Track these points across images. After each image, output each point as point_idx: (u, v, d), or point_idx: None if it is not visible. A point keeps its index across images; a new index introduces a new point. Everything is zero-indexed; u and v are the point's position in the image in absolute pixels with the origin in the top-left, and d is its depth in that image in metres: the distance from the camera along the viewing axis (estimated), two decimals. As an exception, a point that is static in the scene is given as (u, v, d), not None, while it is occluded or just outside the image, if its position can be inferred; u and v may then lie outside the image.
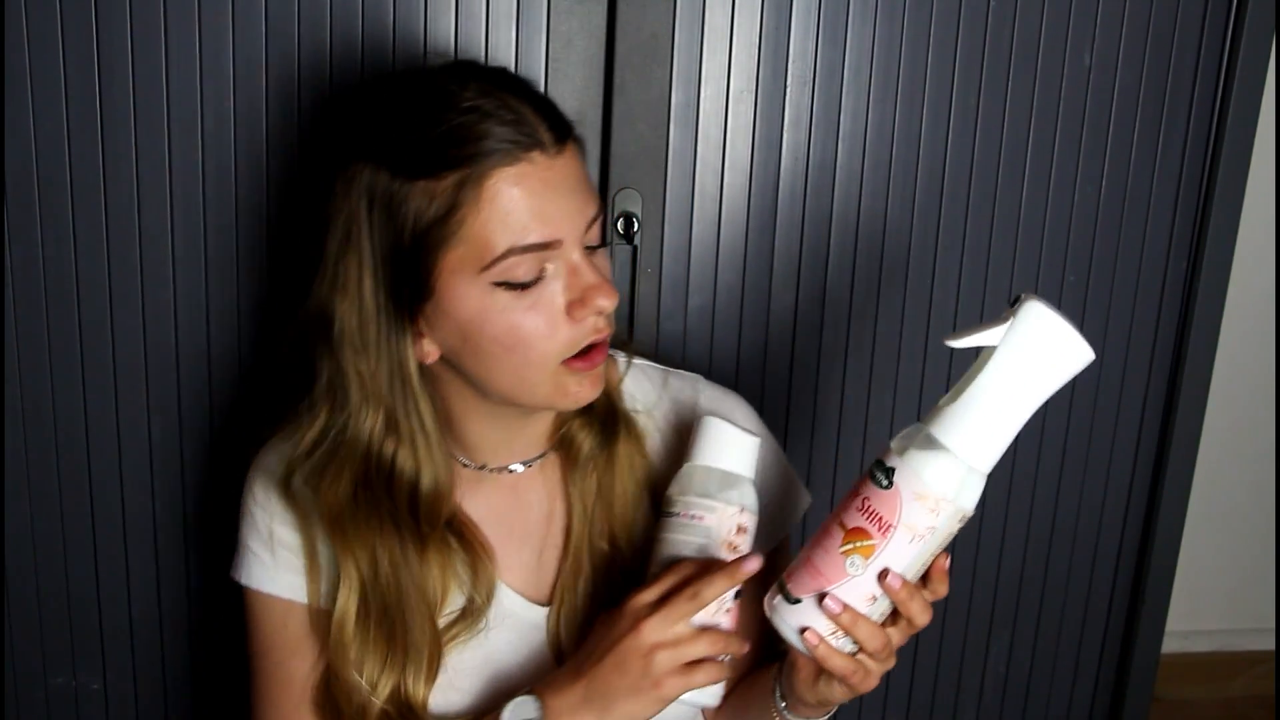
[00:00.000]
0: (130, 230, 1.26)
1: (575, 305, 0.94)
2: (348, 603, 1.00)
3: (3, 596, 1.36)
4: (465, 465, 1.07)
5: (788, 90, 1.34)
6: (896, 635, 0.94)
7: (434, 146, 0.91)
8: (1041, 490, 1.53)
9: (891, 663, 0.95)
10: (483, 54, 1.27)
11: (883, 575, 0.89)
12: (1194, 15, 1.39)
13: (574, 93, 1.30)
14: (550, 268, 0.94)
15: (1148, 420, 1.53)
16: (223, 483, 1.28)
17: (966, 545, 1.53)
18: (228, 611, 1.23)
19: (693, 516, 0.97)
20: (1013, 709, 1.62)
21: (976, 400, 0.86)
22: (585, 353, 0.96)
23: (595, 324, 0.95)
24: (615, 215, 1.34)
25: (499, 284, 0.93)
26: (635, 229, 1.34)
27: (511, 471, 1.07)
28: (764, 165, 1.35)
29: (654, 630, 0.93)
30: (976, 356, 0.88)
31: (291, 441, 1.04)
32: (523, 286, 0.93)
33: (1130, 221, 1.45)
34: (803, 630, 0.91)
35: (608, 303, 0.94)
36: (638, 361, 1.12)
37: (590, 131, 1.31)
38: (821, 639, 0.91)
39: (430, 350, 0.98)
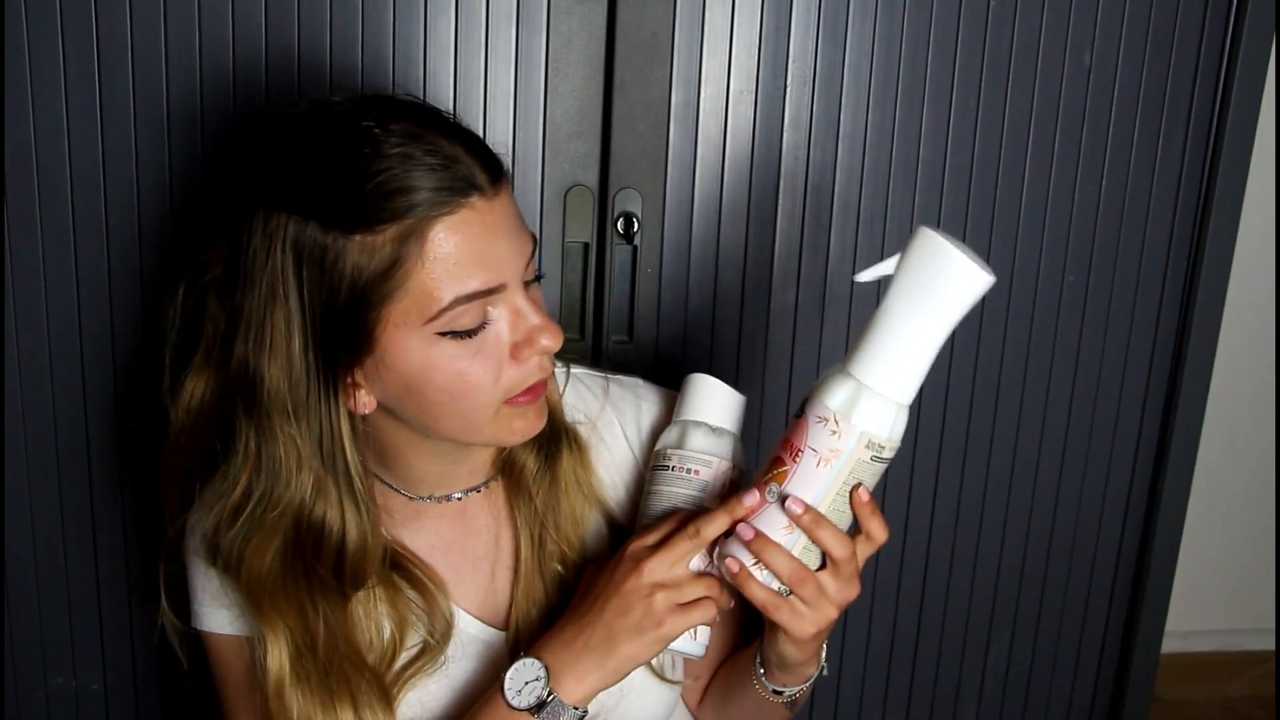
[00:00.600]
0: (130, 229, 1.26)
1: (520, 346, 0.92)
2: (281, 669, 0.98)
3: (3, 596, 1.36)
4: (408, 498, 1.05)
5: (788, 90, 1.34)
6: (826, 579, 0.92)
7: (368, 199, 0.87)
8: (1041, 490, 1.53)
9: (830, 611, 0.93)
10: (483, 54, 1.27)
11: (784, 501, 0.90)
12: (1194, 15, 1.39)
13: (574, 93, 1.30)
14: (494, 312, 0.91)
15: (1148, 420, 1.53)
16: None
17: (967, 545, 1.53)
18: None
19: (688, 470, 0.98)
20: (1013, 709, 1.62)
21: (876, 327, 0.89)
22: (528, 389, 0.95)
23: (540, 364, 0.94)
24: (615, 215, 1.34)
25: (444, 334, 0.90)
26: (635, 229, 1.34)
27: (456, 499, 1.06)
28: (764, 165, 1.35)
29: (656, 569, 0.93)
30: None
31: (213, 510, 0.99)
32: (468, 334, 0.90)
33: (1130, 221, 1.45)
34: (725, 557, 0.93)
35: (552, 342, 0.92)
36: (576, 371, 1.11)
37: (590, 131, 1.31)
38: (741, 567, 0.92)
39: (367, 401, 0.94)
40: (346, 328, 0.90)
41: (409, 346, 0.90)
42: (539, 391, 0.96)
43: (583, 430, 1.07)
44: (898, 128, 1.36)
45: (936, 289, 0.87)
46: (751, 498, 0.92)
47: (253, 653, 1.03)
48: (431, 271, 0.88)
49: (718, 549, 0.94)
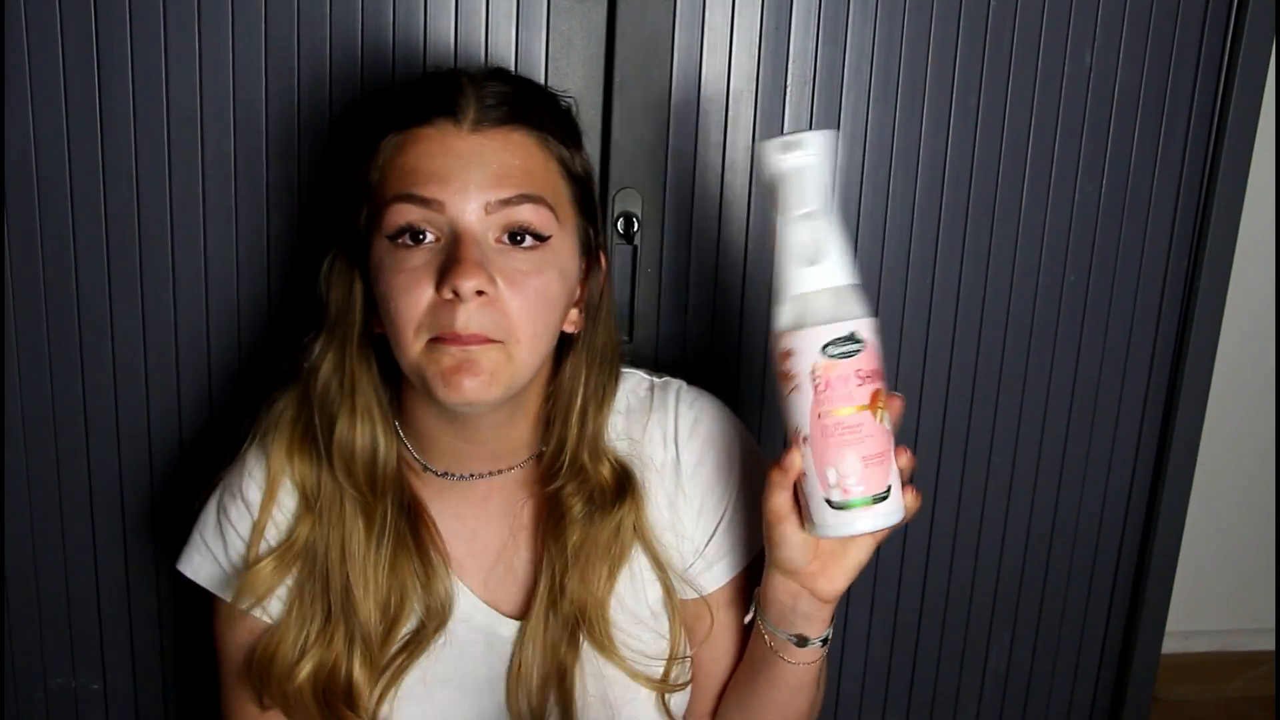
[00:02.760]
0: (130, 230, 1.26)
1: (439, 281, 0.93)
2: (298, 531, 1.03)
3: (3, 596, 1.36)
4: (434, 473, 1.07)
5: (788, 90, 1.34)
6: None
7: (382, 112, 1.00)
8: (1042, 490, 1.53)
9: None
10: (483, 54, 1.27)
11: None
12: (1194, 15, 1.39)
13: (574, 93, 1.30)
14: (440, 237, 0.94)
15: (1148, 420, 1.53)
16: (223, 483, 1.28)
17: (967, 545, 1.53)
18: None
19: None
20: (1013, 709, 1.62)
21: (780, 248, 0.93)
22: (450, 337, 0.93)
23: (457, 317, 0.91)
24: (615, 215, 1.34)
25: (389, 238, 0.95)
26: (635, 229, 1.34)
27: (475, 480, 1.07)
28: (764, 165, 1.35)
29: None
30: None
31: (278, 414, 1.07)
32: (402, 245, 0.94)
33: (1130, 221, 1.45)
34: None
35: (465, 283, 0.90)
36: (624, 370, 1.11)
37: (590, 131, 1.31)
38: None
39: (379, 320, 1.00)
40: (351, 224, 1.01)
41: (374, 248, 0.98)
42: (466, 345, 0.93)
43: (632, 460, 1.07)
44: (898, 128, 1.36)
45: (792, 180, 0.92)
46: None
47: (256, 632, 1.05)
48: (387, 174, 0.96)
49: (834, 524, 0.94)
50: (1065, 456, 1.52)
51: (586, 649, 1.05)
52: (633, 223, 1.34)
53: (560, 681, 1.05)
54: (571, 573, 1.03)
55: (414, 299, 0.93)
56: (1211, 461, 1.71)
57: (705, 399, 1.11)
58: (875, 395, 0.91)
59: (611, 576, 1.05)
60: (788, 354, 0.91)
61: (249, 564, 1.04)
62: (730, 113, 1.33)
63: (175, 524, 1.36)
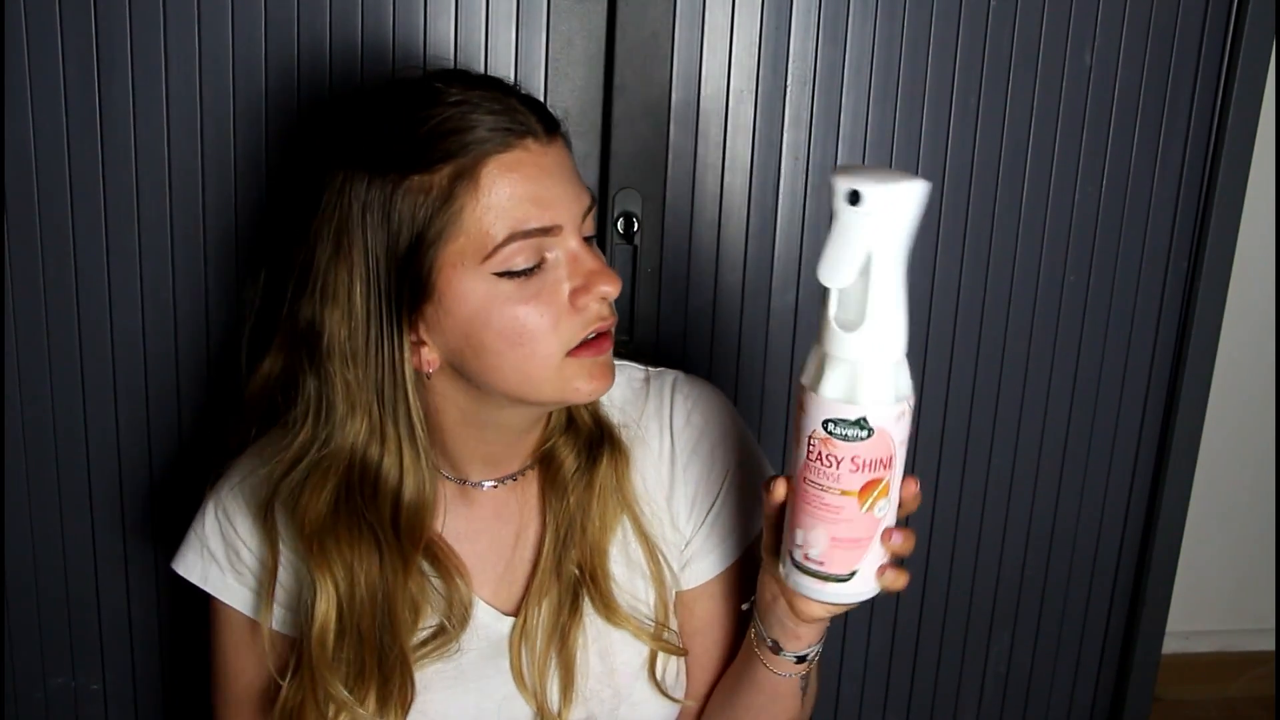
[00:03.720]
0: (130, 230, 1.26)
1: (579, 292, 0.93)
2: (327, 618, 0.99)
3: (3, 596, 1.36)
4: (447, 478, 1.06)
5: (788, 90, 1.33)
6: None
7: (425, 140, 0.90)
8: (1042, 490, 1.53)
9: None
10: (483, 54, 1.27)
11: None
12: (1194, 15, 1.39)
13: (574, 93, 1.30)
14: (550, 256, 0.93)
15: (1148, 420, 1.53)
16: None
17: (967, 545, 1.53)
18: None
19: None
20: (1013, 709, 1.62)
21: (870, 310, 0.82)
22: (591, 341, 0.95)
23: (599, 311, 0.94)
24: (615, 215, 1.34)
25: (501, 274, 0.91)
26: (635, 229, 1.34)
27: (491, 486, 1.07)
28: (764, 165, 1.35)
29: None
30: None
31: (267, 459, 1.02)
32: (525, 274, 0.92)
33: (1130, 221, 1.45)
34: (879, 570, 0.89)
35: (611, 288, 0.93)
36: (619, 363, 1.10)
37: (590, 131, 1.31)
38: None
39: (431, 359, 0.96)
40: (407, 271, 0.92)
41: (466, 288, 0.91)
42: (604, 346, 0.95)
43: (625, 432, 1.07)
44: (898, 128, 1.36)
45: (884, 230, 0.82)
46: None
47: (254, 632, 1.05)
48: (487, 208, 0.90)
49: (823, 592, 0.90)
50: (1065, 456, 1.52)
51: (589, 614, 1.05)
52: (633, 223, 1.34)
53: (562, 645, 1.05)
54: (574, 529, 1.04)
55: (554, 319, 0.93)
56: (1211, 461, 1.71)
57: (701, 387, 1.11)
58: (869, 485, 0.84)
59: (606, 527, 1.05)
60: (799, 404, 0.85)
61: (265, 590, 1.03)
62: (730, 113, 1.33)
63: (175, 524, 1.36)
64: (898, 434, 0.84)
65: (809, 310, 1.40)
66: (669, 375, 1.11)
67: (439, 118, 0.91)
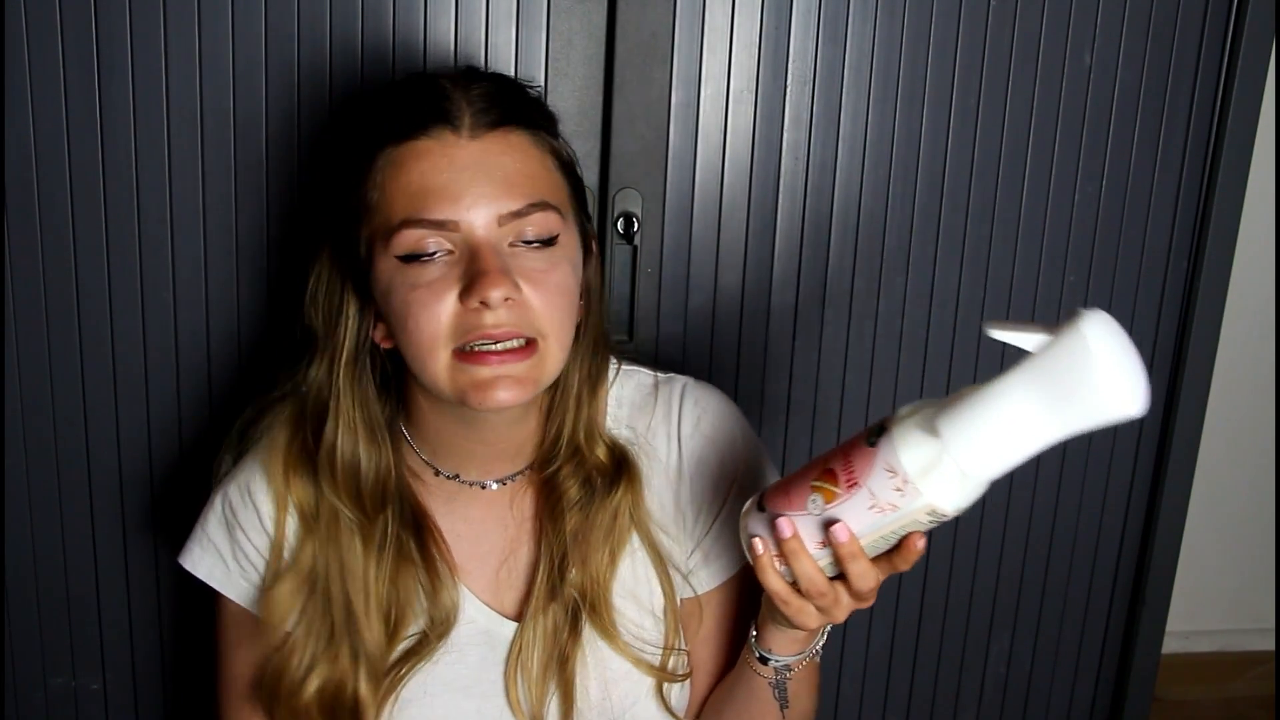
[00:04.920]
0: (130, 230, 1.26)
1: (463, 293, 0.92)
2: (300, 556, 1.03)
3: (3, 596, 1.36)
4: (445, 477, 1.06)
5: (788, 90, 1.33)
6: (842, 593, 0.91)
7: (370, 122, 0.97)
8: (1042, 490, 1.53)
9: (839, 617, 0.92)
10: (483, 54, 1.27)
11: (830, 524, 0.85)
12: (1194, 15, 1.39)
13: (574, 93, 1.30)
14: (451, 250, 0.93)
15: (1148, 420, 1.53)
16: (223, 483, 1.28)
17: (967, 545, 1.53)
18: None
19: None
20: (1013, 709, 1.62)
21: (991, 403, 0.77)
22: (477, 352, 0.93)
23: (485, 320, 0.91)
24: (615, 215, 1.34)
25: (399, 258, 0.94)
26: (635, 229, 1.34)
27: (486, 488, 1.07)
28: (764, 165, 1.35)
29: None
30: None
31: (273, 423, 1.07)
32: (419, 263, 0.93)
33: (1130, 221, 1.45)
34: (753, 536, 0.91)
35: (494, 292, 0.90)
36: (627, 368, 1.11)
37: (590, 131, 1.31)
38: (766, 550, 0.90)
39: (385, 335, 1.00)
40: (348, 243, 0.99)
41: (380, 267, 0.96)
42: (504, 360, 0.93)
43: (631, 447, 1.07)
44: (898, 128, 1.36)
45: (1077, 394, 0.74)
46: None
47: (256, 626, 1.06)
48: (392, 192, 0.94)
49: (745, 521, 0.92)
50: (1066, 456, 1.52)
51: (589, 637, 1.05)
52: (633, 223, 1.34)
53: (561, 669, 1.04)
54: (572, 557, 1.03)
55: (436, 313, 0.93)
56: (1211, 461, 1.71)
57: (710, 394, 1.10)
58: (827, 476, 0.85)
59: (613, 561, 1.05)
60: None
61: (266, 584, 1.04)
62: (730, 113, 1.33)
63: (175, 524, 1.36)
64: (879, 482, 0.82)
65: (808, 310, 1.40)
66: (678, 381, 1.11)
67: (383, 102, 0.98)
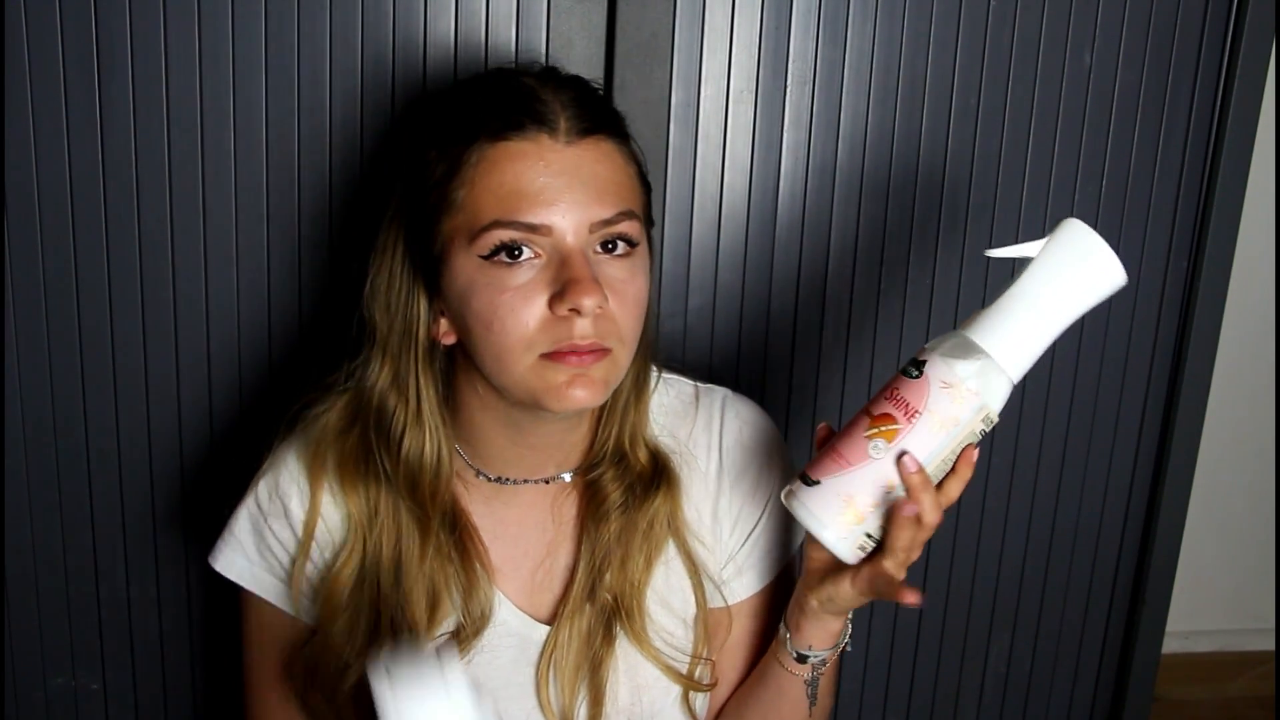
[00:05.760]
0: (130, 230, 1.26)
1: (555, 299, 0.92)
2: (349, 557, 1.02)
3: (3, 596, 1.36)
4: (485, 478, 1.06)
5: (788, 90, 1.33)
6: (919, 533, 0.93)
7: (459, 118, 0.95)
8: (1042, 490, 1.53)
9: (914, 556, 0.94)
10: (483, 54, 1.27)
11: (900, 458, 0.91)
12: (1194, 15, 1.39)
13: (574, 93, 1.30)
14: (541, 254, 0.92)
15: (1148, 420, 1.53)
16: (223, 483, 1.28)
17: (967, 545, 1.53)
18: (228, 611, 1.23)
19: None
20: (1013, 709, 1.62)
21: (1011, 307, 0.92)
22: (564, 351, 0.93)
23: (579, 329, 0.92)
24: (615, 215, 1.34)
25: (485, 258, 0.93)
26: (635, 229, 1.34)
27: (526, 483, 1.07)
28: (764, 165, 1.35)
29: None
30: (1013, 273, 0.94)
31: (319, 417, 1.06)
32: (507, 265, 0.92)
33: (1130, 221, 1.45)
34: (862, 498, 0.92)
35: (587, 300, 0.90)
36: (668, 376, 1.11)
37: (590, 131, 1.31)
38: (906, 505, 0.91)
39: (447, 330, 0.99)
40: (425, 234, 0.96)
41: (460, 264, 0.94)
42: (583, 360, 0.93)
43: (673, 457, 1.07)
44: (898, 128, 1.36)
45: (1078, 279, 0.91)
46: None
47: (288, 628, 1.06)
48: (482, 191, 0.93)
49: (797, 502, 0.93)
50: (1066, 456, 1.52)
51: (621, 643, 1.05)
52: (633, 223, 1.33)
53: (594, 673, 1.05)
54: (611, 560, 1.04)
55: (524, 317, 0.92)
56: (1211, 461, 1.71)
57: (750, 408, 1.11)
58: (883, 418, 0.92)
59: (649, 565, 1.05)
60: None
61: (293, 578, 1.04)
62: (730, 113, 1.33)
63: (175, 523, 1.36)
64: (937, 400, 0.90)
65: (808, 310, 1.40)
66: (718, 392, 1.11)
67: (469, 99, 0.96)
